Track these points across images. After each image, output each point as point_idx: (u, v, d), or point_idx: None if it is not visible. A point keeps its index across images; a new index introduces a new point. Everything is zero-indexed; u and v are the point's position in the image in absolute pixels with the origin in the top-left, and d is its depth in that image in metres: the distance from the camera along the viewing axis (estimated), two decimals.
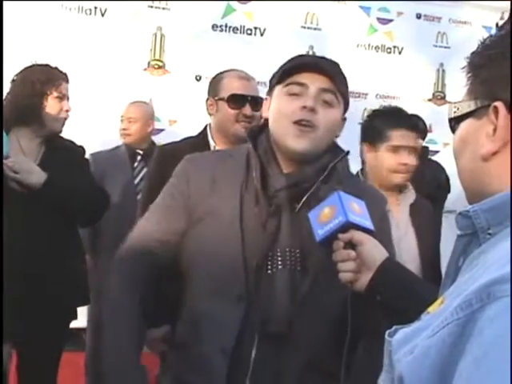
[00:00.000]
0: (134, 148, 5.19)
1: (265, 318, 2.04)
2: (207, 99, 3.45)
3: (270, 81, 2.17)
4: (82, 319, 4.69)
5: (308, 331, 2.06)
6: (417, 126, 3.61)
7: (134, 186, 5.01)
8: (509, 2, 6.99)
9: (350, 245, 1.80)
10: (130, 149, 5.19)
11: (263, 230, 2.05)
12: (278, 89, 2.09)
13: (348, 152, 2.17)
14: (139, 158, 5.17)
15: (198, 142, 3.39)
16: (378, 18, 7.05)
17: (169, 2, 6.40)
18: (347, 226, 1.79)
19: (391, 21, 7.07)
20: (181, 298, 2.22)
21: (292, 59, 2.14)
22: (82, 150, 3.86)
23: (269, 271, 2.04)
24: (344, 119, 2.18)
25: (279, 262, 2.04)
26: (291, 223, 2.05)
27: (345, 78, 2.14)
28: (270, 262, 2.04)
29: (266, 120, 2.15)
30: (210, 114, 3.43)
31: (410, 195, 3.41)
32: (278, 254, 2.05)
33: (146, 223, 2.24)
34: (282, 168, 2.08)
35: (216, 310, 2.05)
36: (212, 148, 3.38)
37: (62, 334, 3.71)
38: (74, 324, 4.13)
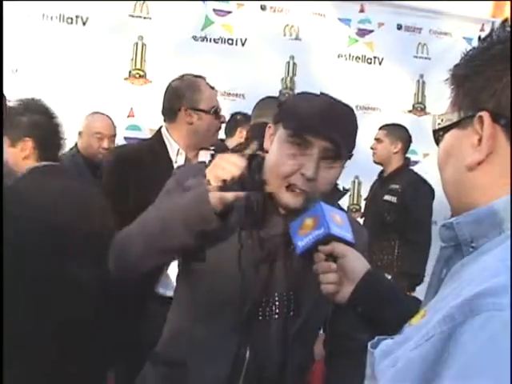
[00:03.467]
0: (93, 160, 5.03)
1: (256, 361, 2.01)
2: (183, 108, 3.42)
3: (278, 113, 2.03)
4: None
5: (296, 372, 2.07)
6: None
7: None
8: (489, 14, 7.06)
9: (332, 257, 1.78)
10: (88, 161, 5.02)
11: (256, 273, 1.99)
12: (283, 132, 1.96)
13: (348, 191, 2.13)
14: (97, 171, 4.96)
15: (155, 145, 3.44)
16: (359, 29, 7.08)
17: (150, 11, 6.40)
18: (329, 238, 1.77)
19: (372, 31, 7.10)
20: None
21: (307, 105, 1.95)
22: None
23: (260, 317, 2.01)
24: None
25: (274, 311, 2.01)
26: (285, 268, 2.01)
27: (355, 131, 2.02)
28: (262, 309, 2.01)
29: (259, 151, 2.10)
30: (189, 123, 3.42)
31: None
32: (276, 299, 2.01)
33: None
34: (278, 208, 2.01)
35: (209, 338, 2.01)
36: (171, 151, 3.43)
37: None
38: None
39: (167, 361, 2.13)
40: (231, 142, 4.91)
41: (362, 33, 7.08)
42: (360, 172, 6.64)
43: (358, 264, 1.80)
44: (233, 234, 1.99)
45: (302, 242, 1.79)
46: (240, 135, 4.94)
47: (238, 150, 4.18)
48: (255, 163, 2.06)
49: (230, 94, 6.52)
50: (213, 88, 3.56)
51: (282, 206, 1.98)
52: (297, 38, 6.88)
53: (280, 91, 6.77)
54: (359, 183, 6.98)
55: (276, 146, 1.97)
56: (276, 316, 2.01)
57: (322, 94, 1.98)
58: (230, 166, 1.91)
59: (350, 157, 2.03)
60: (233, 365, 1.99)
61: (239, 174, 1.90)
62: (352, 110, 2.04)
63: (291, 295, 2.02)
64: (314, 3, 6.81)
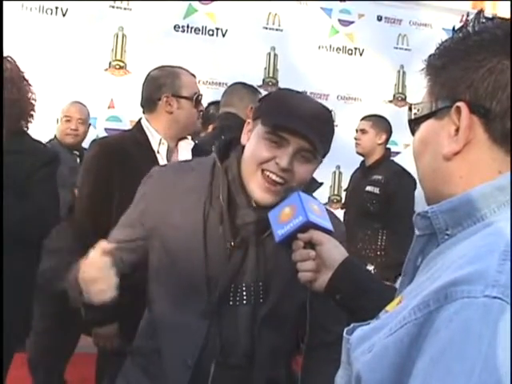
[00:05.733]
0: (73, 149, 5.09)
1: (225, 348, 2.03)
2: (164, 95, 3.42)
3: (257, 109, 2.07)
4: None
5: (265, 358, 2.08)
6: None
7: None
8: (468, 5, 7.09)
9: (310, 245, 1.80)
10: (69, 150, 5.08)
11: (227, 259, 2.02)
12: (261, 128, 1.98)
13: (322, 183, 2.14)
14: (78, 159, 5.07)
15: (137, 136, 3.43)
16: (340, 20, 7.09)
17: (130, 2, 6.38)
18: (307, 226, 1.79)
19: (352, 23, 7.12)
20: (136, 298, 2.23)
21: (285, 104, 1.98)
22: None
23: (231, 303, 2.03)
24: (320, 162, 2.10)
25: (244, 297, 2.03)
26: (257, 256, 2.03)
27: (331, 133, 2.05)
28: (232, 295, 2.03)
29: (237, 139, 2.10)
30: (169, 112, 3.41)
31: None
32: (243, 287, 2.03)
33: (113, 232, 2.22)
34: (250, 200, 2.02)
35: (180, 323, 2.03)
36: (153, 141, 3.41)
37: None
38: None
39: (143, 352, 2.17)
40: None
41: (343, 24, 7.10)
42: (341, 162, 6.66)
43: (335, 252, 1.81)
44: (199, 206, 2.03)
45: (281, 231, 1.81)
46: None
47: (207, 140, 4.19)
48: (234, 153, 2.09)
49: (212, 83, 6.52)
50: (193, 75, 3.56)
51: (254, 200, 2.00)
52: (278, 29, 6.89)
53: (263, 80, 6.78)
54: (340, 173, 7.00)
55: (254, 141, 2.00)
56: (244, 302, 2.03)
57: (302, 93, 2.01)
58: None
59: (324, 155, 2.06)
60: (202, 351, 2.01)
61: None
62: (330, 114, 2.07)
63: (261, 282, 2.04)
64: None
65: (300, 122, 1.92)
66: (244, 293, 2.03)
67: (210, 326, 2.01)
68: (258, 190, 1.97)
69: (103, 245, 1.88)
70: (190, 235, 2.02)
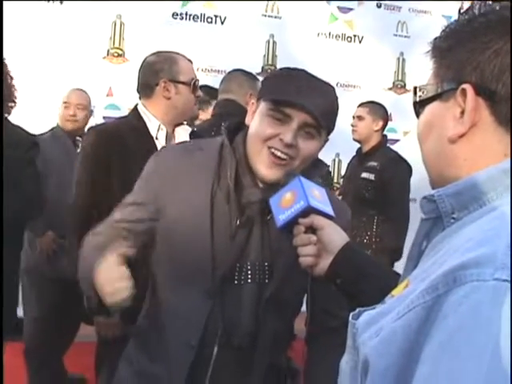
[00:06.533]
0: (75, 135, 5.09)
1: (228, 328, 2.03)
2: (162, 81, 3.41)
3: (260, 89, 2.09)
4: None
5: (268, 341, 2.08)
6: None
7: None
8: None
9: (311, 229, 1.79)
10: (71, 136, 5.06)
11: (232, 239, 2.03)
12: (264, 106, 2.00)
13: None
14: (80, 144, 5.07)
15: (134, 122, 3.42)
16: (339, 7, 7.08)
17: None
18: (308, 211, 1.78)
19: (352, 9, 7.10)
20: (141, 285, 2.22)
21: (287, 80, 2.00)
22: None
23: (236, 281, 2.03)
24: (326, 141, 2.11)
25: (248, 276, 2.04)
26: (262, 236, 2.04)
27: (335, 109, 2.06)
28: (237, 273, 2.04)
29: (243, 123, 2.11)
30: (167, 97, 3.40)
31: None
32: (248, 266, 2.04)
33: (120, 211, 2.20)
34: (256, 180, 2.03)
35: (183, 303, 2.04)
36: (151, 127, 3.40)
37: None
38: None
39: (146, 333, 2.18)
40: (205, 116, 4.89)
41: (342, 11, 7.08)
42: (340, 150, 6.66)
43: (336, 236, 1.81)
44: (207, 185, 2.04)
45: (282, 216, 1.81)
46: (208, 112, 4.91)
47: (205, 126, 4.18)
48: (240, 135, 2.09)
49: (211, 70, 6.51)
50: (190, 61, 3.54)
51: (260, 178, 2.01)
52: (277, 17, 6.87)
53: (262, 68, 6.77)
54: (339, 161, 7.00)
55: (257, 119, 2.01)
56: (249, 280, 2.03)
57: (303, 70, 2.00)
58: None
59: (329, 133, 2.06)
60: (206, 331, 2.02)
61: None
62: (333, 89, 2.07)
63: (266, 262, 2.05)
64: None
65: (302, 96, 1.92)
66: (249, 271, 2.03)
67: (213, 306, 2.01)
68: (263, 167, 1.98)
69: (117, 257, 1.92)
70: (197, 213, 2.02)
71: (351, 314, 1.15)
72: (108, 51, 6.36)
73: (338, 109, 2.06)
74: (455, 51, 1.15)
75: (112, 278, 1.87)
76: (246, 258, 2.03)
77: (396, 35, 7.28)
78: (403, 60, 7.26)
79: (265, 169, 1.98)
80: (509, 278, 0.90)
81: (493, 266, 0.91)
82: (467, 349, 0.88)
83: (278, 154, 1.95)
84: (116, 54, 6.37)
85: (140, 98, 3.48)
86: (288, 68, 2.09)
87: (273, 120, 1.96)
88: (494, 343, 0.87)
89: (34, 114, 5.73)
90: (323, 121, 1.96)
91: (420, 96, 1.23)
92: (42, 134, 4.90)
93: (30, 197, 3.45)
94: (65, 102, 5.08)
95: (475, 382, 0.86)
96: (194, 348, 2.02)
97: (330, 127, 2.04)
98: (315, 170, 2.08)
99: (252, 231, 2.03)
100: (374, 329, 1.04)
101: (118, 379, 2.25)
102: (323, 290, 1.89)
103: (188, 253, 2.03)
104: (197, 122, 4.74)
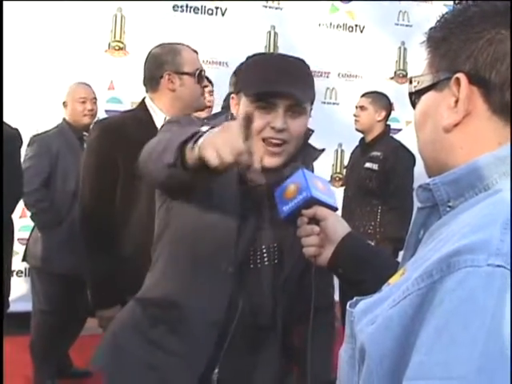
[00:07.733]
0: (82, 130, 5.07)
1: (249, 308, 2.08)
2: (166, 73, 3.40)
3: (236, 82, 2.12)
4: None
5: (284, 321, 2.15)
6: None
7: None
8: None
9: (314, 220, 1.84)
10: (77, 131, 5.06)
11: (244, 221, 2.07)
12: (246, 99, 2.02)
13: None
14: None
15: (140, 115, 3.41)
16: None
17: None
18: (311, 202, 1.83)
19: None
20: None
21: (263, 69, 2.02)
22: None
23: (251, 265, 2.09)
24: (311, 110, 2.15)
25: (265, 258, 2.10)
26: (271, 219, 2.08)
27: (312, 81, 2.09)
28: (252, 257, 2.09)
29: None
30: (171, 89, 3.40)
31: None
32: (263, 249, 2.10)
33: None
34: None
35: (204, 283, 2.07)
36: (157, 120, 3.37)
37: None
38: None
39: (159, 303, 2.18)
40: None
41: (343, 1, 7.07)
42: (343, 140, 6.66)
43: (339, 226, 1.85)
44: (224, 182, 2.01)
45: (286, 207, 1.86)
46: None
47: (212, 120, 4.18)
48: None
49: (213, 62, 6.50)
50: (195, 51, 3.54)
51: (263, 167, 2.02)
52: (278, 8, 6.86)
53: None
54: (342, 151, 7.00)
55: (243, 112, 2.02)
56: (266, 263, 2.10)
57: (272, 53, 2.05)
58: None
59: (312, 103, 2.11)
60: (226, 311, 2.06)
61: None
62: (304, 62, 2.10)
63: (276, 244, 2.11)
64: None
65: (281, 83, 1.97)
66: (264, 254, 2.10)
67: (233, 287, 2.06)
68: (262, 158, 2.00)
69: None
70: (221, 194, 2.05)
71: (348, 303, 1.17)
72: (109, 44, 6.36)
73: (313, 78, 2.11)
74: (449, 41, 1.16)
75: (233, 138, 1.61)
76: (258, 242, 2.10)
77: (397, 24, 7.27)
78: (405, 49, 7.25)
79: (265, 158, 2.01)
80: (503, 264, 0.91)
81: (487, 252, 0.92)
82: (462, 334, 0.89)
83: (274, 141, 2.00)
84: (117, 48, 6.37)
85: (147, 92, 3.49)
86: (258, 54, 2.16)
87: (258, 110, 1.99)
88: (487, 328, 0.88)
89: (35, 108, 5.75)
90: (306, 98, 2.03)
91: (415, 86, 1.24)
92: (47, 131, 4.94)
93: (8, 192, 3.49)
94: (81, 98, 5.08)
95: (469, 366, 0.87)
96: (217, 327, 2.06)
97: (312, 99, 2.11)
98: (311, 155, 2.15)
99: (262, 216, 2.09)
100: (370, 317, 1.05)
101: (123, 342, 2.25)
102: (318, 270, 1.92)
103: (209, 234, 2.06)
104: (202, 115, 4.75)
